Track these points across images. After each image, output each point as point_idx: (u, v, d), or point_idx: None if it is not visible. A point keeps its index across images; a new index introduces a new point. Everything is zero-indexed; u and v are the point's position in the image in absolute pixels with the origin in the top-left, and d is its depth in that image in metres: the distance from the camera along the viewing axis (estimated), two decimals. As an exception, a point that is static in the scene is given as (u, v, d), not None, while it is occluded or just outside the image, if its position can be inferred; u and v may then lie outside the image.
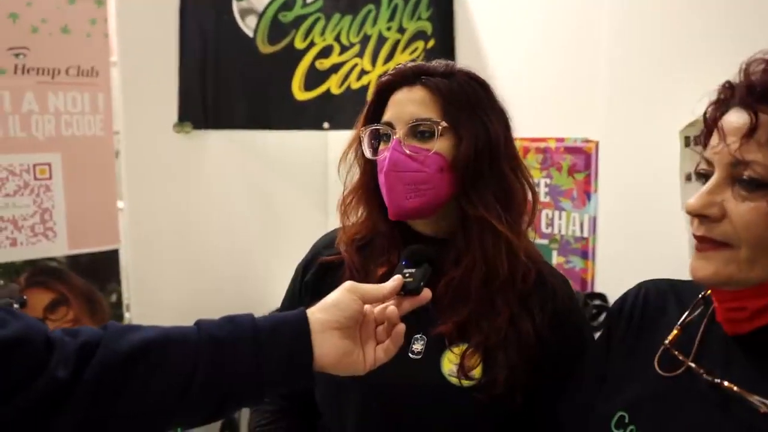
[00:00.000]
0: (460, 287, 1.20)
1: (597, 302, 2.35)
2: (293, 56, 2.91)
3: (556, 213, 2.55)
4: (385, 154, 1.21)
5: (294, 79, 2.93)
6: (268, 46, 2.85)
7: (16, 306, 2.01)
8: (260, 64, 2.85)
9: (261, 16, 2.82)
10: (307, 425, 1.37)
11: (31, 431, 0.81)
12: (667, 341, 0.98)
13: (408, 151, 1.19)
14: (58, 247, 2.39)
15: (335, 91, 3.00)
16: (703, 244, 0.88)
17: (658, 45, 2.22)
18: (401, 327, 0.99)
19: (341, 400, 1.25)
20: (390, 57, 3.00)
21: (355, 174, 1.32)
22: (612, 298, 2.30)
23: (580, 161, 2.46)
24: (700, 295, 1.00)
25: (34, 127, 2.30)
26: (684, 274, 0.98)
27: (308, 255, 1.40)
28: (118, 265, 2.56)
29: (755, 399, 0.84)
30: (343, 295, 0.97)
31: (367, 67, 3.01)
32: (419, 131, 1.20)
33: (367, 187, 1.30)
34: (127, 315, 2.62)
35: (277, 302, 1.48)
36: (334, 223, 1.40)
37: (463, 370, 1.16)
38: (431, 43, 3.03)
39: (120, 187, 2.61)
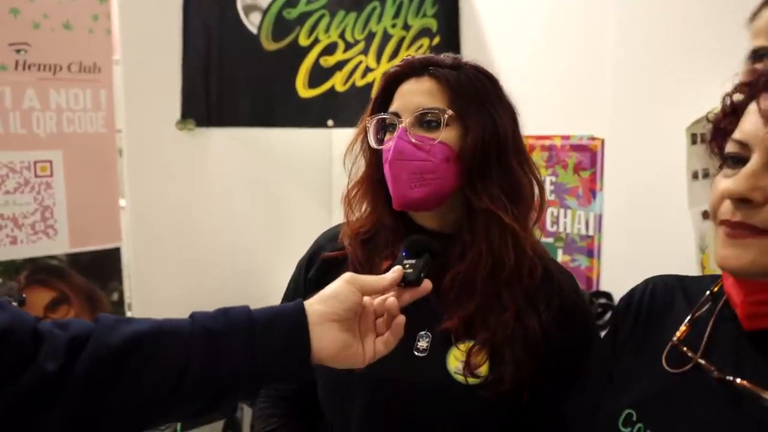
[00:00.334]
0: (465, 281, 1.18)
1: (602, 301, 2.33)
2: (297, 53, 2.89)
3: (562, 211, 2.53)
4: (390, 143, 1.19)
5: (298, 77, 2.91)
6: (272, 43, 2.84)
7: (14, 304, 1.99)
8: (264, 61, 2.83)
9: (265, 12, 2.80)
10: (310, 427, 1.35)
11: (19, 426, 0.79)
12: (675, 337, 0.95)
13: (414, 140, 1.17)
14: (58, 245, 2.37)
15: (340, 88, 2.98)
16: (739, 230, 0.83)
17: (663, 43, 2.20)
18: (401, 318, 0.97)
19: (345, 398, 1.23)
20: (395, 54, 2.98)
21: (361, 167, 1.30)
22: (617, 296, 2.26)
23: (586, 159, 2.44)
24: (708, 291, 0.97)
25: (35, 123, 2.28)
26: (690, 272, 0.96)
27: (310, 250, 1.38)
28: (119, 263, 2.55)
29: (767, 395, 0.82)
30: (342, 286, 0.95)
31: (372, 64, 2.99)
32: (426, 120, 1.18)
33: (372, 179, 1.28)
34: (128, 314, 2.60)
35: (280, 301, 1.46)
36: (337, 221, 1.38)
37: (469, 368, 1.14)
38: (436, 40, 3.02)
39: (122, 185, 2.60)
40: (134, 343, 0.84)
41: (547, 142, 2.55)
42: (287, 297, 1.39)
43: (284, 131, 3.03)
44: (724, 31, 1.66)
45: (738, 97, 0.89)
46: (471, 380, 1.14)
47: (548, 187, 2.55)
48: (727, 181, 0.85)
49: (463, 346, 1.15)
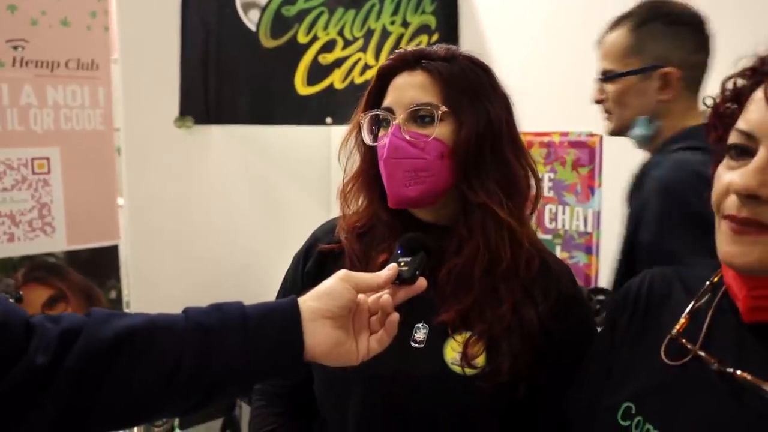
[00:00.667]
0: (462, 275, 1.17)
1: (601, 297, 2.32)
2: (296, 50, 2.89)
3: (560, 208, 2.52)
4: (384, 140, 1.18)
5: (297, 74, 2.91)
6: (271, 40, 2.84)
7: (11, 301, 1.99)
8: (263, 58, 2.83)
9: (264, 9, 2.80)
10: (307, 426, 1.35)
11: (9, 420, 0.78)
12: (675, 330, 0.94)
13: (408, 137, 1.16)
14: (56, 243, 2.37)
15: (338, 85, 2.98)
16: (746, 227, 0.80)
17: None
18: (395, 316, 0.97)
19: (342, 392, 1.22)
20: (393, 51, 2.97)
21: (356, 161, 1.29)
22: (617, 293, 2.27)
23: (584, 155, 2.43)
24: (707, 282, 0.96)
25: (33, 120, 2.27)
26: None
27: (307, 243, 1.37)
28: (117, 261, 2.54)
29: None
30: (336, 283, 0.94)
31: (371, 61, 2.99)
32: (419, 116, 1.17)
33: (368, 174, 1.27)
34: (127, 311, 2.59)
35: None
36: (336, 217, 1.38)
37: (466, 359, 1.13)
38: (435, 37, 3.01)
39: (120, 182, 2.59)
40: (127, 338, 0.84)
41: (545, 139, 2.55)
42: (284, 289, 1.38)
43: (283, 128, 3.03)
44: (720, 30, 1.66)
45: (741, 81, 0.87)
46: (468, 371, 1.13)
47: (546, 184, 2.55)
48: (733, 174, 0.82)
49: (460, 338, 1.15)
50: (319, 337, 0.91)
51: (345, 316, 0.94)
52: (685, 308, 0.96)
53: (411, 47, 1.24)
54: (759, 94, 0.82)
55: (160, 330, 0.86)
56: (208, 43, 2.74)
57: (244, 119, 2.88)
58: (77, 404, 0.81)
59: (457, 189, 1.19)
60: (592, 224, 2.42)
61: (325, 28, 2.91)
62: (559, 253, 2.52)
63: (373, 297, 0.98)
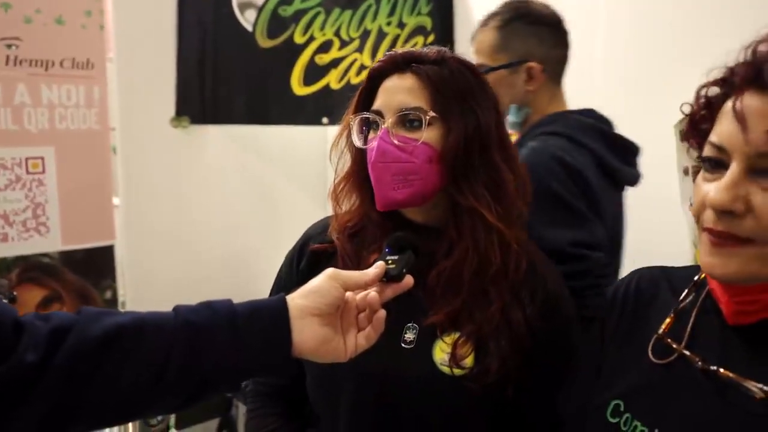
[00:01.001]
0: (451, 277, 1.18)
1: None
2: (293, 51, 2.89)
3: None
4: (373, 144, 1.19)
5: (293, 74, 2.91)
6: (268, 41, 2.83)
7: (5, 302, 1.98)
8: (259, 58, 2.83)
9: (260, 10, 2.80)
10: (303, 426, 1.35)
11: (-2, 417, 0.78)
12: (660, 329, 0.95)
13: (396, 141, 1.17)
14: (51, 243, 2.35)
15: (335, 86, 2.98)
16: (723, 240, 0.82)
17: (654, 39, 2.21)
18: (382, 313, 0.98)
19: (333, 388, 1.23)
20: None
21: (347, 162, 1.30)
22: (611, 293, 2.28)
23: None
24: (692, 281, 0.97)
25: (27, 120, 2.26)
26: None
27: (299, 241, 1.39)
28: (113, 261, 2.53)
29: (751, 384, 0.82)
30: (324, 281, 0.96)
31: (367, 62, 2.99)
32: (408, 120, 1.18)
33: (358, 175, 1.28)
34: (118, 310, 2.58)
35: (270, 295, 1.45)
36: (333, 218, 1.38)
37: (454, 359, 1.14)
38: (431, 38, 3.02)
39: (116, 182, 2.58)
40: (116, 336, 0.84)
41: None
42: (277, 286, 1.39)
43: (279, 129, 3.02)
44: (714, 28, 1.67)
45: (714, 90, 0.88)
46: (457, 371, 1.14)
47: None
48: (709, 187, 0.83)
49: (449, 338, 1.16)
50: (307, 334, 0.92)
51: (333, 314, 0.95)
52: (672, 307, 0.97)
53: (403, 49, 1.23)
54: (728, 107, 0.82)
55: (150, 328, 0.87)
56: (204, 43, 2.73)
57: (241, 119, 2.88)
58: (67, 402, 0.81)
59: (446, 192, 1.20)
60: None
61: (322, 28, 2.91)
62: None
63: (360, 294, 0.99)
